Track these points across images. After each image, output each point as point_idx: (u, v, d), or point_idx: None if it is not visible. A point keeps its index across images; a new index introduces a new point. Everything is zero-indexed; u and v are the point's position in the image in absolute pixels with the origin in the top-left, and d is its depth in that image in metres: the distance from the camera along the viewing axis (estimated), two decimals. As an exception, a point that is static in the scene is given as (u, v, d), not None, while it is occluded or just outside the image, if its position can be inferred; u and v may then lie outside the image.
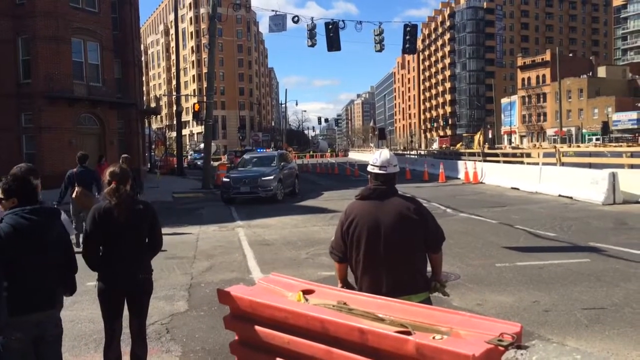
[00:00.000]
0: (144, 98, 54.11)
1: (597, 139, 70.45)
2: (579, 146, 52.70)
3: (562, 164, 20.91)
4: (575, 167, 19.49)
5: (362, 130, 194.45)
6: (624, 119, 79.24)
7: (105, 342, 4.06)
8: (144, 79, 61.33)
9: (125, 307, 4.07)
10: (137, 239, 4.02)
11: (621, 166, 18.21)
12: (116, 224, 3.87)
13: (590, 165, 19.87)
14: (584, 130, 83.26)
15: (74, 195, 10.58)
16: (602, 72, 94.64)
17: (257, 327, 3.01)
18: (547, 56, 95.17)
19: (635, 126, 76.59)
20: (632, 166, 18.26)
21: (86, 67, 26.64)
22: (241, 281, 7.30)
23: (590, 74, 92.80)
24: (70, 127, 25.69)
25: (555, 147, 31.65)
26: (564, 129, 73.35)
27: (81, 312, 6.42)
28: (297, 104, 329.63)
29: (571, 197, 16.13)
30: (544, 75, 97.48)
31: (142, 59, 57.03)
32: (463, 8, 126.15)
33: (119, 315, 4.04)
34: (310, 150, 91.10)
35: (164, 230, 13.38)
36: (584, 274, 7.43)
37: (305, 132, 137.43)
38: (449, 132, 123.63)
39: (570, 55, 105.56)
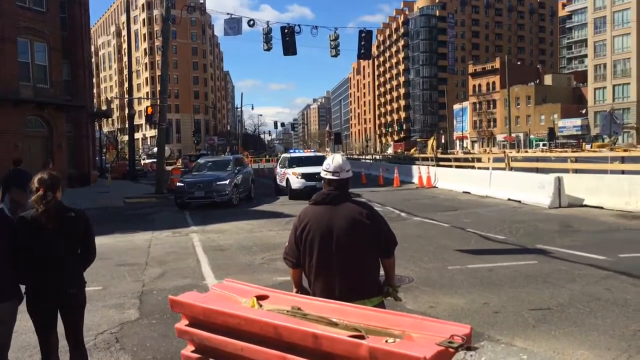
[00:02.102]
0: (95, 100, 52.71)
1: (544, 145, 73.05)
2: (526, 151, 54.43)
3: (511, 169, 21.53)
4: (523, 171, 20.11)
5: (319, 134, 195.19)
6: (569, 125, 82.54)
7: (41, 356, 3.87)
8: (94, 81, 59.73)
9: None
10: (67, 250, 3.78)
11: (566, 171, 18.91)
12: (44, 233, 3.65)
13: (537, 170, 20.53)
14: (531, 136, 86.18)
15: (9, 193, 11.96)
16: (548, 80, 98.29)
17: (210, 335, 2.96)
18: (497, 64, 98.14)
19: (580, 132, 79.91)
20: (576, 171, 18.98)
21: (33, 68, 25.73)
22: (195, 288, 7.18)
23: (537, 81, 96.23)
24: (16, 130, 24.69)
25: (504, 152, 32.58)
26: (513, 135, 75.76)
27: (26, 323, 6.09)
28: (252, 108, 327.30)
29: (519, 201, 16.63)
30: (493, 83, 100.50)
31: (93, 60, 55.51)
32: (416, 15, 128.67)
33: (52, 328, 3.82)
34: (266, 155, 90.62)
35: (114, 236, 13.02)
36: (532, 276, 7.66)
37: (262, 136, 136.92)
38: (403, 136, 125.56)
39: (519, 63, 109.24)
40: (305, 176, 20.36)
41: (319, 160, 22.25)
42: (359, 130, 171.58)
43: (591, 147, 55.66)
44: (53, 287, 3.72)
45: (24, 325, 6.07)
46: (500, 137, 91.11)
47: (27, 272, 3.74)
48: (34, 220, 3.68)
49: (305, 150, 30.84)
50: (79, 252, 3.89)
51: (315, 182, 19.05)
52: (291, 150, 33.58)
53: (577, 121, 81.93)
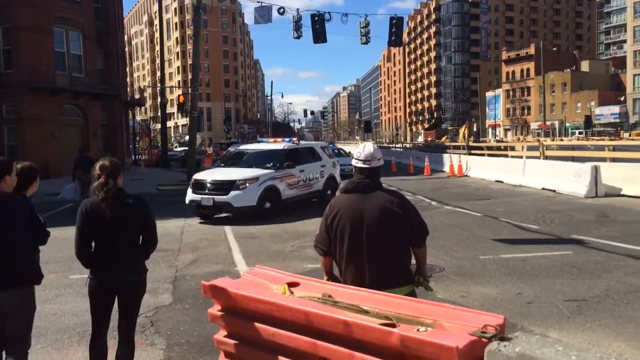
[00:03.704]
0: (128, 89, 53.54)
1: (580, 133, 71.15)
2: (562, 140, 53.20)
3: (546, 158, 21.11)
4: (558, 160, 19.70)
5: (348, 122, 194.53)
6: (606, 113, 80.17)
7: (91, 337, 3.94)
8: (127, 70, 60.69)
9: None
10: (126, 237, 3.81)
11: (603, 159, 18.42)
12: (103, 220, 3.71)
13: (573, 159, 20.08)
14: (567, 124, 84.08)
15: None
16: (585, 66, 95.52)
17: (241, 320, 3.00)
18: (532, 50, 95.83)
19: (618, 120, 77.58)
20: (613, 159, 18.48)
21: (68, 57, 26.30)
22: (226, 274, 7.29)
23: (574, 68, 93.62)
24: (52, 119, 25.38)
25: (539, 140, 31.92)
26: (548, 123, 74.09)
27: (65, 305, 6.36)
28: (282, 96, 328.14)
29: (554, 190, 16.30)
30: (528, 69, 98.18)
31: (126, 49, 56.34)
32: (449, 1, 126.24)
33: (107, 311, 3.89)
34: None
35: (149, 222, 13.00)
36: (567, 266, 7.52)
37: (291, 124, 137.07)
38: (434, 124, 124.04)
39: (554, 49, 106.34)
40: (195, 185, 13.63)
41: (268, 157, 14.23)
42: (389, 118, 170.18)
43: (630, 136, 54.07)
44: (111, 273, 3.78)
45: (62, 308, 6.28)
46: (534, 125, 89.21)
47: (90, 258, 3.83)
48: (94, 206, 3.75)
49: (271, 140, 16.80)
50: (140, 239, 3.92)
51: (200, 197, 12.97)
52: (261, 140, 22.49)
53: (615, 109, 79.48)
